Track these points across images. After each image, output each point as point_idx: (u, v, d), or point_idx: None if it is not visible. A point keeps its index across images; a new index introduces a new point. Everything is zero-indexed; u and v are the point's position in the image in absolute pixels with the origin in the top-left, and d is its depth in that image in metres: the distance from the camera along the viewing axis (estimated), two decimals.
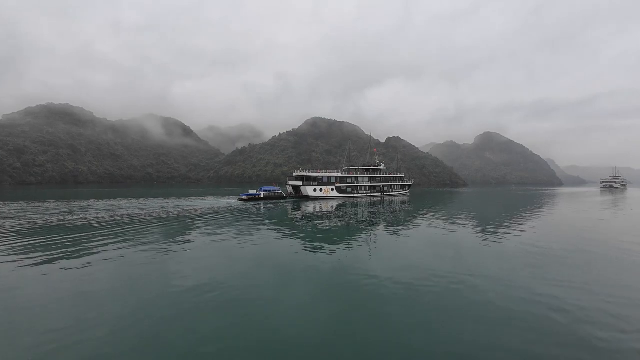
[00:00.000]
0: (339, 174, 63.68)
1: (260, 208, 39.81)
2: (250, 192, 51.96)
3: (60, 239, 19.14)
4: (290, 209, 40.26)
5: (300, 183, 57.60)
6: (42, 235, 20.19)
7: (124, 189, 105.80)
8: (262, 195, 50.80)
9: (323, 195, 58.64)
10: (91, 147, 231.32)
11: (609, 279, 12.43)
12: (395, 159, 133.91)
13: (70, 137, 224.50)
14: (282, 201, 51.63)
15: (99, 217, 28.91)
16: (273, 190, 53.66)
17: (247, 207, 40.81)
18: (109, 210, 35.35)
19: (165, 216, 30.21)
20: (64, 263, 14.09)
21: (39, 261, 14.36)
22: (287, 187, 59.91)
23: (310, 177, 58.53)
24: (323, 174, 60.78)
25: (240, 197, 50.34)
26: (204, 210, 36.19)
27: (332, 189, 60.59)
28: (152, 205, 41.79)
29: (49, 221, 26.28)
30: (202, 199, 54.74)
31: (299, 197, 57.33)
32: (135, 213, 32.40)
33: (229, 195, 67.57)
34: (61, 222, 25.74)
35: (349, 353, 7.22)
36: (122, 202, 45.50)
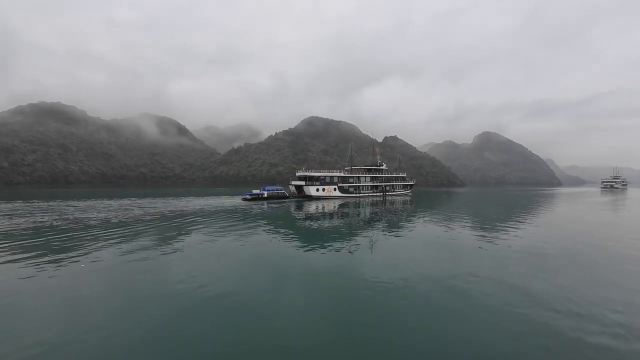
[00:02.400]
0: (342, 174, 63.01)
1: (263, 207, 38.66)
2: (254, 191, 51.57)
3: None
4: (293, 208, 39.32)
5: (303, 183, 56.98)
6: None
7: (116, 189, 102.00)
8: (266, 195, 50.33)
9: (325, 195, 57.64)
10: (83, 146, 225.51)
11: (608, 281, 12.29)
12: (396, 159, 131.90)
13: (61, 136, 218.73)
14: (285, 201, 50.82)
15: (85, 218, 25.88)
16: (276, 190, 53.21)
17: (251, 206, 39.61)
18: (95, 210, 32.27)
19: (163, 217, 27.70)
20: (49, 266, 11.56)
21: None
22: (290, 186, 59.40)
23: (312, 176, 57.93)
24: (325, 174, 60.16)
25: (244, 196, 49.47)
26: (202, 210, 33.66)
27: (335, 189, 59.74)
28: (152, 205, 38.95)
29: None
30: (181, 199, 51.63)
31: (302, 197, 56.46)
32: (131, 213, 29.66)
33: (208, 195, 64.25)
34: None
35: (349, 354, 7.14)
36: (100, 203, 42.28)
